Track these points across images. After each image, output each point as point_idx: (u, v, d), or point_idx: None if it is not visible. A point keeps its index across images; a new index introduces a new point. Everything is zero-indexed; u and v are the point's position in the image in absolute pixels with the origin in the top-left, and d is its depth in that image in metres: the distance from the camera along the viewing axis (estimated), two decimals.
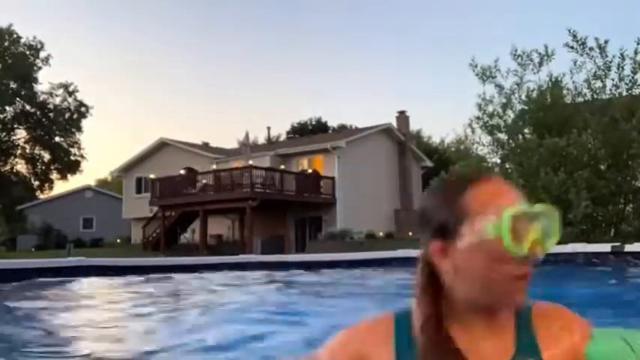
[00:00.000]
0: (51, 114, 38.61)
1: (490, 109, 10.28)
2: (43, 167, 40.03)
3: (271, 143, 36.01)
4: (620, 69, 9.42)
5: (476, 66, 10.27)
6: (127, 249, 24.80)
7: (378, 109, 70.05)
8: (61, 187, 41.26)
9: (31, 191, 39.81)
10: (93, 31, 69.72)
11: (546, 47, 9.83)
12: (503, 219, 0.73)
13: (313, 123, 46.84)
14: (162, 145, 29.69)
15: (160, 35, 69.47)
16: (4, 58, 36.14)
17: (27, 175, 40.17)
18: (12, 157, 39.50)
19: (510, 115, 10.24)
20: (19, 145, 39.51)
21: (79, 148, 40.02)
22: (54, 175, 40.53)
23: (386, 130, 27.73)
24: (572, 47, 9.55)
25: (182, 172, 26.11)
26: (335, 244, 20.13)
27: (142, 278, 5.85)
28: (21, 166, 40.12)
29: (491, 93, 10.27)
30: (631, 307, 2.50)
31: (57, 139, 39.53)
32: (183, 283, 5.89)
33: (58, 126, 38.93)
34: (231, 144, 39.95)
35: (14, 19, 52.40)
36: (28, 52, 37.31)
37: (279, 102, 73.02)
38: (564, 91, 9.99)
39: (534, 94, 9.94)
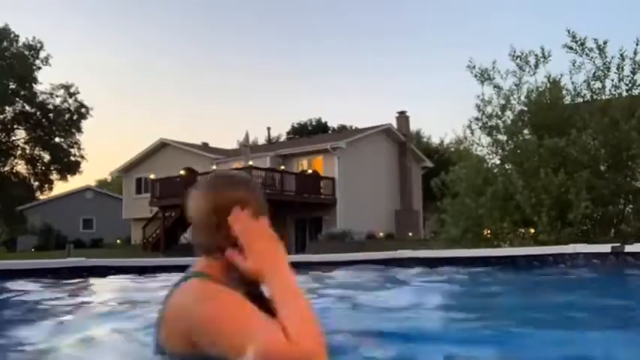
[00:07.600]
0: (51, 114, 38.55)
1: (489, 109, 10.27)
2: (43, 168, 39.99)
3: (271, 144, 36.05)
4: (620, 69, 9.41)
5: (474, 67, 10.27)
6: (127, 249, 24.80)
7: (378, 109, 70.23)
8: (61, 187, 41.29)
9: (30, 192, 39.79)
10: (93, 31, 69.80)
11: (543, 49, 9.83)
12: None
13: (313, 123, 46.84)
14: (162, 146, 29.70)
15: (161, 35, 69.55)
16: (3, 58, 36.08)
17: (27, 175, 40.13)
18: (12, 158, 39.47)
19: (509, 116, 10.23)
20: (18, 145, 39.48)
21: (79, 149, 40.04)
22: (54, 176, 40.52)
23: (386, 131, 27.73)
24: (571, 48, 9.56)
25: (182, 172, 26.10)
26: (335, 244, 20.14)
27: None
28: (21, 167, 40.10)
29: (490, 94, 10.25)
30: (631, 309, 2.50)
31: (57, 139, 39.49)
32: None
33: (57, 126, 38.88)
34: (231, 144, 40.01)
35: (13, 19, 52.39)
36: (27, 53, 37.22)
37: (279, 102, 73.10)
38: (563, 92, 9.98)
39: (533, 95, 9.93)
